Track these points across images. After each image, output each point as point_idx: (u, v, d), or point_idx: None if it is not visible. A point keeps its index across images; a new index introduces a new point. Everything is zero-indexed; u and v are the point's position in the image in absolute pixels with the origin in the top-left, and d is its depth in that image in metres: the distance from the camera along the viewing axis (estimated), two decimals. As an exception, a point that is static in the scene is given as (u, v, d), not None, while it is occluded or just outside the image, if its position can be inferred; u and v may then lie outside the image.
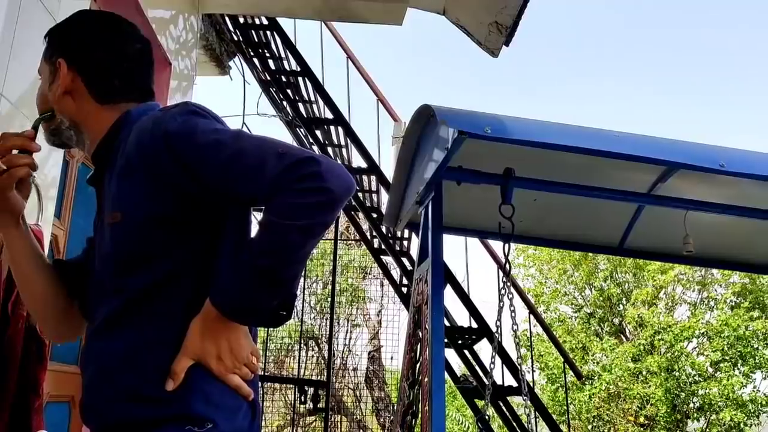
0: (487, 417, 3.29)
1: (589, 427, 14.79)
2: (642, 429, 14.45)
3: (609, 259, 16.19)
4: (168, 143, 1.16)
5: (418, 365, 2.91)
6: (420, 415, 2.72)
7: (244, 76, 5.95)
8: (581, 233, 4.04)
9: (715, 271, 15.37)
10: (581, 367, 14.65)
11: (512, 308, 2.98)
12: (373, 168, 5.40)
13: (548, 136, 2.66)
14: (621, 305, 16.60)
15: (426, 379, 2.64)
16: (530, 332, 6.51)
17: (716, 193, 3.40)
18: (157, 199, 1.19)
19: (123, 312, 1.19)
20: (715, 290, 15.90)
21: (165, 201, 1.19)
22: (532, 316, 5.96)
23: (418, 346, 2.93)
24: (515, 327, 2.96)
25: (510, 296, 3.00)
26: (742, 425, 13.63)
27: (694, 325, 14.64)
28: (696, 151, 2.65)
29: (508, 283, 3.02)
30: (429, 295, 2.79)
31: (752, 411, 13.92)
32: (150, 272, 1.18)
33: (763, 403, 14.30)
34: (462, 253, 6.37)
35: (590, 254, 16.11)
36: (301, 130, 5.71)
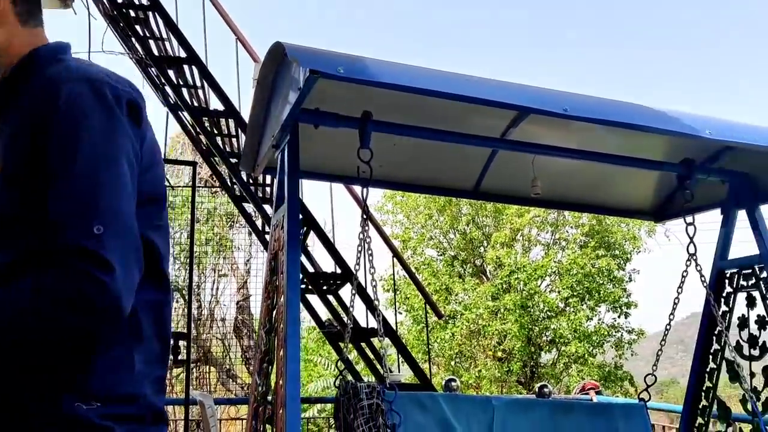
0: (346, 358, 3.31)
1: (452, 363, 15.59)
2: (500, 363, 15.43)
3: (471, 204, 16.86)
4: (48, 112, 1.07)
5: (274, 312, 2.86)
6: (275, 362, 2.68)
7: (88, 9, 5.46)
8: (439, 177, 4.10)
9: (567, 213, 16.45)
10: (445, 308, 15.31)
11: (370, 252, 2.98)
12: (231, 111, 5.18)
13: (404, 78, 2.62)
14: (482, 247, 17.41)
15: (281, 326, 2.59)
16: (393, 275, 6.65)
17: (567, 138, 3.54)
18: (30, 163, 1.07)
19: None
20: (567, 231, 17.06)
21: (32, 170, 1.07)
22: (395, 260, 6.07)
23: (275, 293, 2.87)
24: (372, 270, 2.97)
25: (368, 239, 2.99)
26: (587, 355, 14.91)
27: (547, 264, 15.66)
28: (543, 95, 2.72)
29: (366, 227, 3.01)
30: (285, 241, 2.72)
31: (596, 341, 15.24)
32: (12, 246, 1.07)
33: (606, 333, 15.69)
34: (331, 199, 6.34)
35: (453, 200, 16.68)
36: (153, 69, 5.34)
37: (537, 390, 3.89)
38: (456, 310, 15.66)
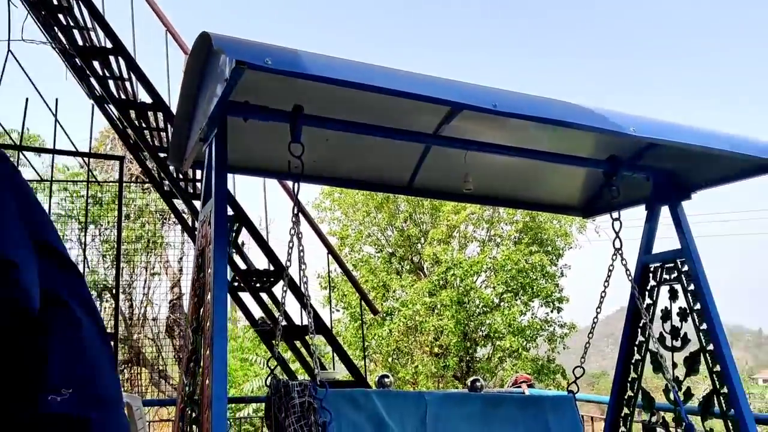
0: (278, 356, 3.26)
1: (389, 359, 15.64)
2: (436, 358, 15.57)
3: (409, 201, 16.95)
4: None
5: (201, 310, 2.78)
6: (202, 361, 2.60)
7: (7, -5, 5.21)
8: (374, 173, 4.09)
9: (501, 210, 16.75)
10: (382, 304, 15.35)
11: (301, 248, 2.93)
12: (159, 104, 5.01)
13: (333, 71, 2.58)
14: (419, 244, 17.53)
15: (208, 324, 2.52)
16: (329, 272, 6.61)
17: (499, 135, 3.58)
18: None
19: None
20: (501, 228, 17.35)
21: None
22: (330, 257, 6.02)
23: (203, 291, 2.79)
24: (303, 266, 2.93)
25: (299, 235, 2.95)
26: (521, 349, 15.21)
27: (482, 260, 15.89)
28: (473, 91, 2.73)
29: (298, 223, 2.97)
30: (212, 237, 2.65)
31: (530, 336, 15.57)
32: None
33: (539, 328, 16.05)
34: (270, 195, 6.23)
35: (391, 197, 16.74)
36: (77, 60, 5.13)
37: (469, 384, 3.91)
38: (393, 307, 15.72)
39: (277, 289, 5.43)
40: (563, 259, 16.93)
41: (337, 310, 15.97)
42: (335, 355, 5.35)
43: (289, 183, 5.43)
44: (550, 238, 16.61)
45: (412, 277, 16.80)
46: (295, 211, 2.98)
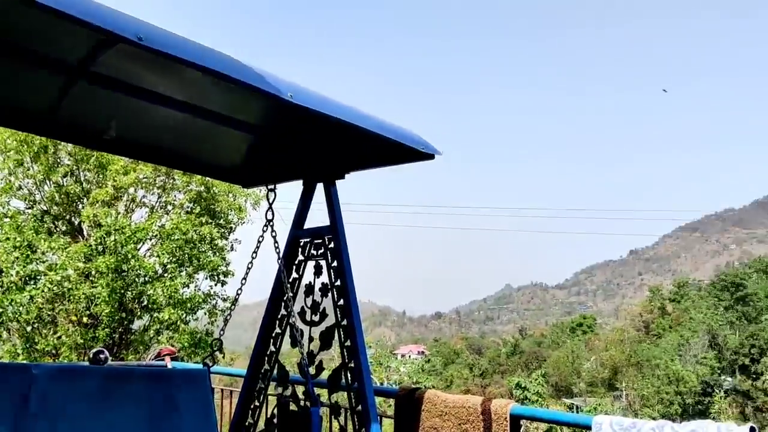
0: None
1: (29, 329, 13.90)
2: (85, 329, 14.30)
3: (72, 154, 15.27)
4: None
5: None
6: None
7: None
8: (7, 104, 3.41)
9: (176, 177, 16.05)
10: (25, 266, 13.57)
11: None
12: None
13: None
14: (80, 204, 15.91)
15: None
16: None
17: (164, 84, 3.23)
18: None
19: None
20: (174, 196, 16.63)
21: None
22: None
23: None
24: None
25: None
26: (179, 322, 14.78)
27: (148, 227, 15.05)
28: (119, 17, 2.35)
29: None
30: None
31: (190, 308, 15.22)
32: None
33: (201, 300, 15.79)
34: None
35: (51, 147, 14.93)
36: None
37: (91, 356, 3.50)
38: (38, 271, 13.97)
39: None
40: (235, 233, 16.90)
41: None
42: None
43: None
44: (223, 211, 16.41)
45: (67, 239, 15.16)
46: None
